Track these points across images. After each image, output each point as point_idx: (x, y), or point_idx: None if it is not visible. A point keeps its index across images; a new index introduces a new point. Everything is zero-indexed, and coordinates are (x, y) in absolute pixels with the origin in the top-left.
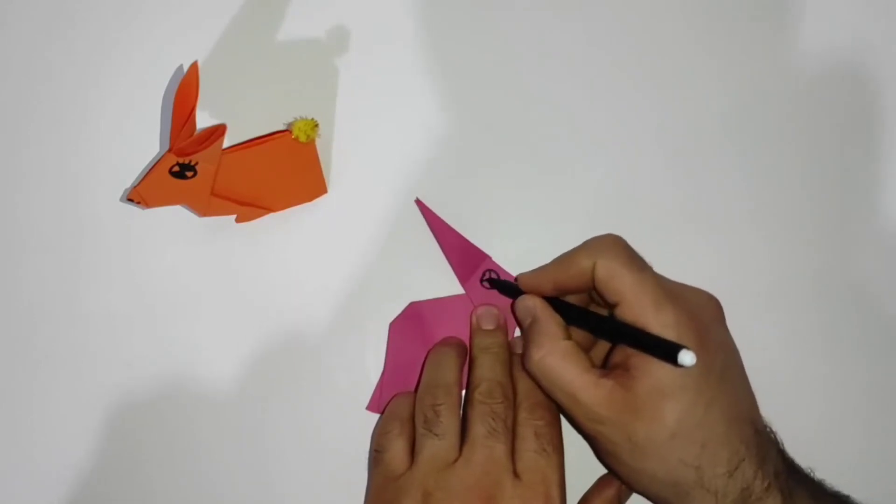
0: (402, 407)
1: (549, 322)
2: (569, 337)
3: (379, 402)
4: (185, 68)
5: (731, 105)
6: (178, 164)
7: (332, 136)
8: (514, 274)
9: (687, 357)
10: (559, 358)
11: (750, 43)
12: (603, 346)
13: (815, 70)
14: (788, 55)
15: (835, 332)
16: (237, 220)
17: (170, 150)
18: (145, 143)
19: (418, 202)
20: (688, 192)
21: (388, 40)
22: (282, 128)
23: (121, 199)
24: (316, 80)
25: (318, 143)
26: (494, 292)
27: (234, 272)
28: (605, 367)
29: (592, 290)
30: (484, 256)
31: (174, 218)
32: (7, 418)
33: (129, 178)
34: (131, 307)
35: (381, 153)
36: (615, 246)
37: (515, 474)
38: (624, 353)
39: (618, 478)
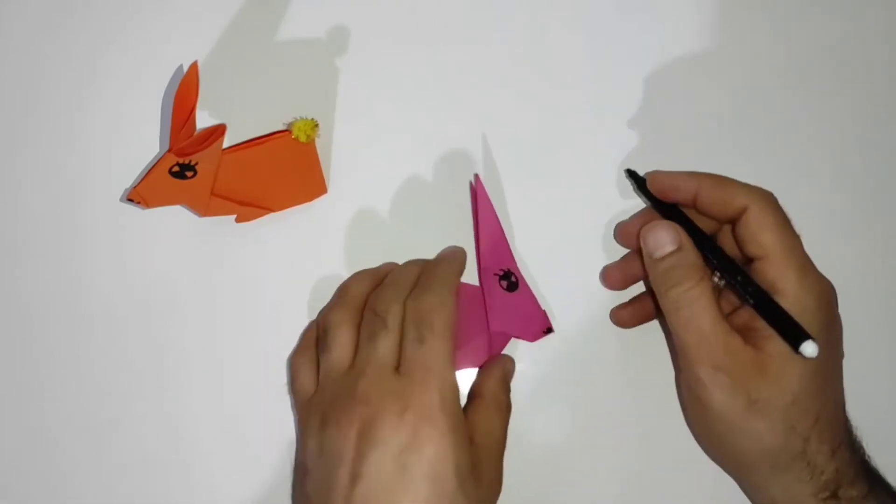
0: (308, 334)
1: (697, 256)
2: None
3: None
4: (185, 68)
5: (731, 104)
6: (178, 164)
7: (332, 136)
8: (525, 278)
9: (809, 348)
10: (702, 296)
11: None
12: None
13: (822, 65)
14: (791, 53)
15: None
16: (237, 220)
17: (170, 150)
18: (145, 143)
19: (477, 178)
20: None
21: (388, 40)
22: (282, 128)
23: (121, 199)
24: (316, 80)
25: (318, 143)
26: (506, 294)
27: (234, 272)
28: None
29: (722, 227)
30: (511, 258)
31: (174, 218)
32: (6, 418)
33: (129, 178)
34: (131, 307)
35: (381, 153)
36: (774, 201)
37: (396, 370)
38: (752, 312)
39: (701, 442)
